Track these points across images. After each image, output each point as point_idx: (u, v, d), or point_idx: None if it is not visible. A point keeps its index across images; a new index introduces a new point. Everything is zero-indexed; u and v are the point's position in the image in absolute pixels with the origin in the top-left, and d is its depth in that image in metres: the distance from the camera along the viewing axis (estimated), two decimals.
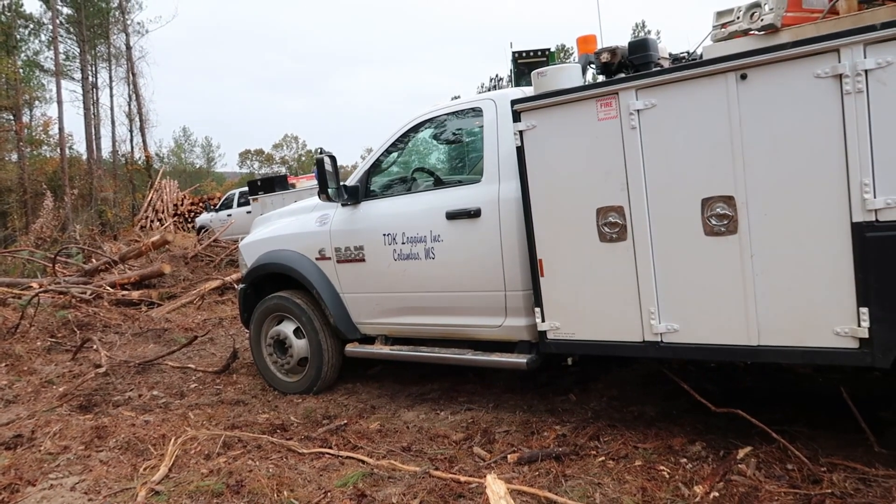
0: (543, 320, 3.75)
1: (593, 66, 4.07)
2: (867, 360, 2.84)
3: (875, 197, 2.72)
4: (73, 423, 4.74)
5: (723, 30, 3.53)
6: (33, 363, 6.65)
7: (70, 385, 5.75)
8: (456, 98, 5.13)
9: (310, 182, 16.18)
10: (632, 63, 3.80)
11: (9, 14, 32.80)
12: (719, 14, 3.57)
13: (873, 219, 2.74)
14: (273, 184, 16.55)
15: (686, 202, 3.19)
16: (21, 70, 32.40)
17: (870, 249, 2.76)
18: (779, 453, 3.22)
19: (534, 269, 3.75)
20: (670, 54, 4.16)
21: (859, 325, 2.83)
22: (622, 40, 3.87)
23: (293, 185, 16.44)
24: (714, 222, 3.12)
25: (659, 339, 3.36)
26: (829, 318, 2.90)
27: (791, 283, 2.97)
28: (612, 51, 3.90)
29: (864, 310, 2.81)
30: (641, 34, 43.94)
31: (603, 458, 3.46)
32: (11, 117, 31.95)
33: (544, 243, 3.69)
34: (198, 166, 54.72)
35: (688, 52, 4.18)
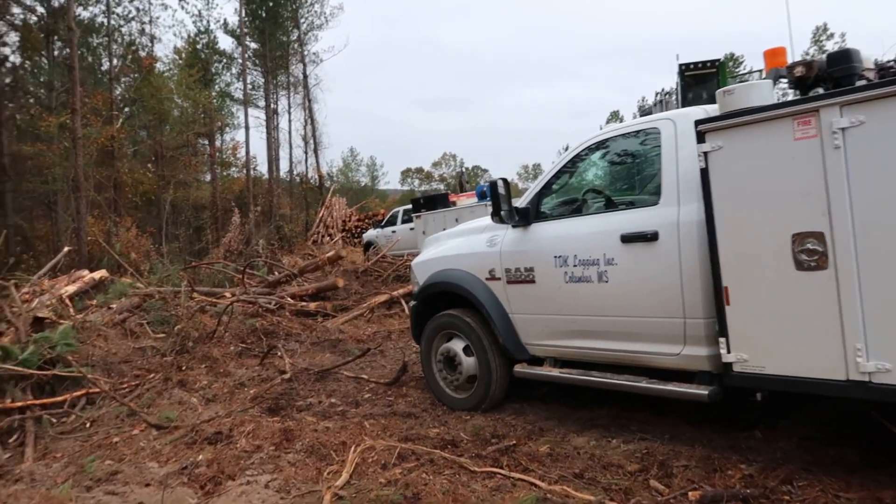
0: (729, 351, 3.54)
1: (784, 80, 3.82)
2: None
3: None
4: (264, 424, 5.17)
5: None
6: (227, 366, 7.34)
7: (259, 388, 6.29)
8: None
9: (469, 200, 16.52)
10: (831, 76, 3.52)
11: (207, 51, 36.87)
12: None
13: None
14: (435, 202, 17.11)
15: None
16: (215, 101, 36.23)
17: None
18: None
19: (718, 296, 3.56)
20: (876, 62, 3.80)
21: None
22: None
23: (454, 203, 16.87)
24: None
25: (867, 379, 3.04)
26: None
27: None
28: (808, 64, 3.64)
29: None
30: (823, 39, 40.48)
31: None
32: (206, 142, 35.86)
33: (731, 270, 3.49)
34: (363, 184, 57.93)
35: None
